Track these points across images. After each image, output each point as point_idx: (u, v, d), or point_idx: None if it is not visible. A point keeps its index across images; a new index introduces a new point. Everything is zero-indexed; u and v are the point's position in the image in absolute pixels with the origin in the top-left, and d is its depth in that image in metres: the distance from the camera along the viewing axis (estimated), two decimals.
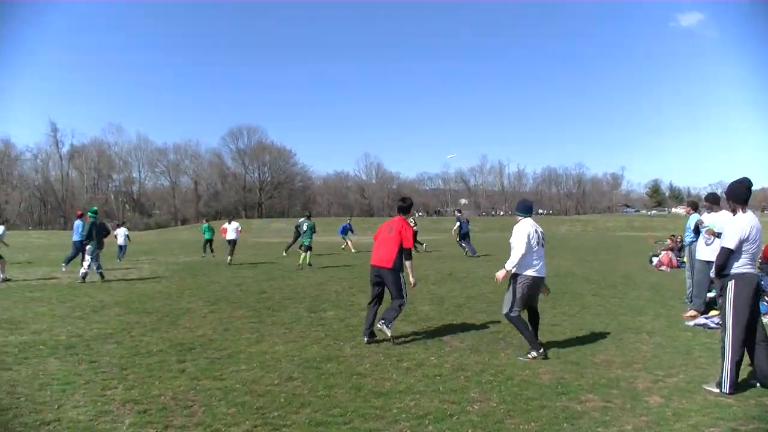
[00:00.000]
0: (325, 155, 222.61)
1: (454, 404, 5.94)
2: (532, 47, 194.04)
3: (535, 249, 8.31)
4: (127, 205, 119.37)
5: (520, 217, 8.71)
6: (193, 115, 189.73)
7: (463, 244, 27.95)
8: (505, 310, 8.34)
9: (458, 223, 28.16)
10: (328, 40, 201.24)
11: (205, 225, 30.01)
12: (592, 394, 6.26)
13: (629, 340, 9.00)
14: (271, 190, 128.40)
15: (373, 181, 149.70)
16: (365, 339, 8.86)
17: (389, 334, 8.73)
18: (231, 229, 25.02)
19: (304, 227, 21.85)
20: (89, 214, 18.37)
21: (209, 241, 29.19)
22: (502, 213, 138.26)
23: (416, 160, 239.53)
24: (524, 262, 8.25)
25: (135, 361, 7.83)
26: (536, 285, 8.36)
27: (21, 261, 25.86)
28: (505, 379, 6.78)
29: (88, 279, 16.97)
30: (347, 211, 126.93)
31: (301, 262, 21.07)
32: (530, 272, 8.25)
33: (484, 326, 10.03)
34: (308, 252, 21.25)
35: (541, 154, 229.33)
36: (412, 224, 17.86)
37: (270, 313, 11.58)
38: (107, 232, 19.09)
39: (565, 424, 5.36)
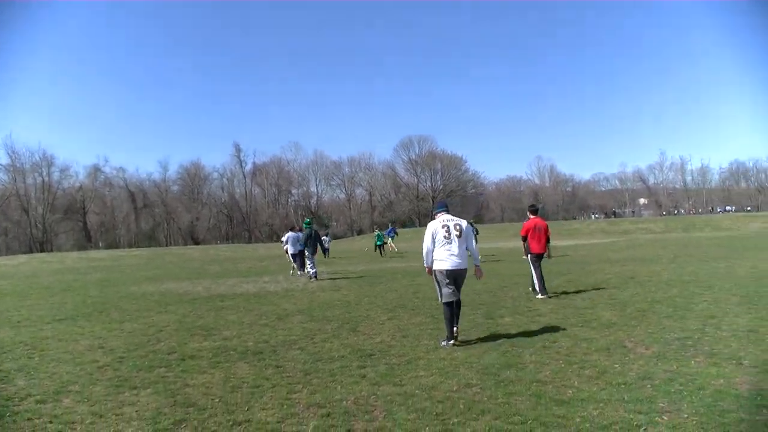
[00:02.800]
0: (496, 160, 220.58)
1: (641, 414, 5.63)
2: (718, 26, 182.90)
3: (442, 244, 9.27)
4: (306, 218, 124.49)
5: (437, 214, 9.76)
6: (366, 128, 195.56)
7: None
8: (442, 300, 9.41)
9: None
10: (491, 40, 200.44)
11: (377, 233, 41.51)
12: None
13: None
14: (444, 198, 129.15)
15: (547, 184, 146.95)
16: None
17: None
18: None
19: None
20: (305, 225, 23.06)
21: (380, 245, 40.36)
22: (683, 212, 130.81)
23: (591, 160, 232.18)
24: (435, 257, 9.38)
25: (318, 366, 8.11)
26: (452, 276, 9.28)
27: (211, 272, 27.58)
28: (696, 389, 6.33)
29: (270, 288, 17.90)
30: (521, 216, 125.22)
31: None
32: (440, 266, 9.27)
33: (671, 332, 9.38)
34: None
35: (726, 147, 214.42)
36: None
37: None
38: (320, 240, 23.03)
39: None
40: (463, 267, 9.36)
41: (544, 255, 14.55)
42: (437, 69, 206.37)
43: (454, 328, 9.23)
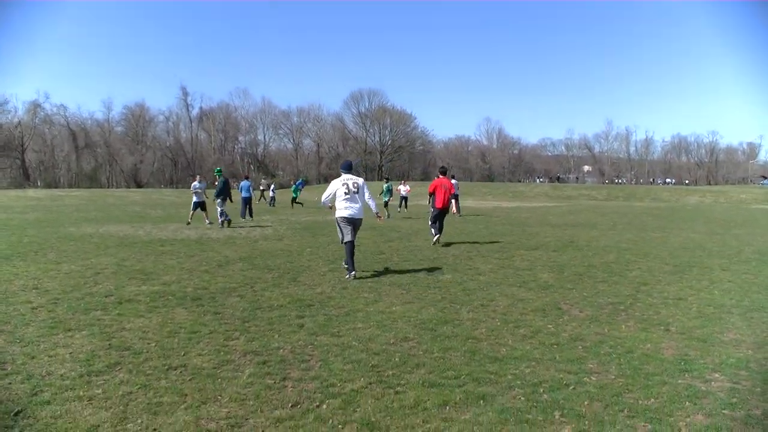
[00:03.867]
0: (445, 119, 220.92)
1: (571, 374, 5.81)
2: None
3: (343, 197, 11.47)
4: (251, 166, 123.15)
5: (342, 173, 11.81)
6: (315, 78, 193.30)
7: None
8: (342, 241, 11.70)
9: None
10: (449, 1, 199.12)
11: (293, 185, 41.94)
12: (718, 373, 5.92)
13: (762, 320, 8.38)
14: (392, 153, 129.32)
15: (494, 146, 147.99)
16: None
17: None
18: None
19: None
20: (216, 173, 23.69)
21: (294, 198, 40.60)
22: (625, 181, 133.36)
23: (539, 125, 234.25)
24: (337, 207, 11.61)
25: (256, 314, 8.13)
26: (348, 221, 11.48)
27: (153, 217, 27.17)
28: (624, 352, 6.55)
29: (212, 234, 17.81)
30: (467, 175, 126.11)
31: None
32: (341, 214, 11.51)
33: (604, 296, 9.67)
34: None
35: (670, 121, 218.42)
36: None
37: (387, 273, 11.71)
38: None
39: (687, 403, 5.12)
40: (359, 216, 11.63)
41: (448, 210, 17.42)
42: (390, 21, 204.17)
43: (352, 272, 11.19)
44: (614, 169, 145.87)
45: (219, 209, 22.67)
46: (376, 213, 12.57)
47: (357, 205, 11.53)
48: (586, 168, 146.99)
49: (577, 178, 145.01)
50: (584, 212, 36.14)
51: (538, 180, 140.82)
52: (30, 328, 7.29)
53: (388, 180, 31.21)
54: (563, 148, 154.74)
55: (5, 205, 40.19)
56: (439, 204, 16.76)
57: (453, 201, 17.36)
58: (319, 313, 8.23)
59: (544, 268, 12.53)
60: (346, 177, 11.66)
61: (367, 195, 11.77)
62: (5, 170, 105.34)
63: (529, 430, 4.56)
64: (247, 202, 28.17)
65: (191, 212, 24.28)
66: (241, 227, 22.62)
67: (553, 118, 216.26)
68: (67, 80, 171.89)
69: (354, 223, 11.56)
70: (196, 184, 24.16)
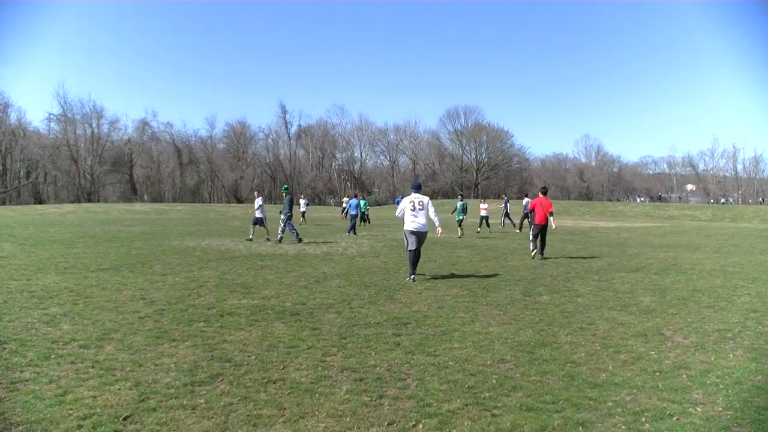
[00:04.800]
0: (542, 136, 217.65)
1: (675, 404, 5.59)
2: None
3: (410, 213, 13.44)
4: (348, 183, 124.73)
5: (412, 191, 13.83)
6: (411, 95, 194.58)
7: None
8: (407, 249, 13.58)
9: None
10: (542, 12, 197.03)
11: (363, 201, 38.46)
12: None
13: None
14: (488, 171, 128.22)
15: (593, 164, 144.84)
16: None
17: None
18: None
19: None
20: (283, 190, 24.20)
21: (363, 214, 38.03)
22: (732, 201, 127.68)
23: (640, 143, 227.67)
24: (405, 221, 13.53)
25: (353, 331, 8.21)
26: (413, 233, 13.39)
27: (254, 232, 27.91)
28: (733, 383, 6.23)
29: (309, 250, 18.11)
30: (565, 193, 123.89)
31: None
32: (407, 227, 13.49)
33: (710, 323, 9.24)
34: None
35: None
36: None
37: (484, 293, 11.61)
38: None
39: None
40: (423, 230, 13.46)
41: (547, 227, 18.62)
42: (485, 38, 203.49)
43: (414, 275, 13.30)
44: (720, 188, 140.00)
45: (282, 225, 23.22)
46: (437, 227, 14.31)
47: (422, 221, 13.42)
48: (690, 187, 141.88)
49: (680, 197, 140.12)
50: (687, 233, 34.81)
51: (638, 199, 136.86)
52: (138, 337, 7.61)
53: (462, 198, 30.89)
54: (665, 166, 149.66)
55: (115, 218, 42.16)
56: (537, 220, 18.43)
57: (551, 218, 18.48)
58: (415, 332, 8.25)
59: (646, 292, 12.14)
60: (414, 196, 13.66)
61: (431, 212, 13.61)
62: (115, 185, 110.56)
63: None
64: (354, 218, 29.27)
65: (252, 228, 24.56)
66: (335, 242, 22.94)
67: (654, 135, 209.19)
68: (173, 99, 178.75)
69: (418, 235, 13.44)
70: (259, 201, 24.60)
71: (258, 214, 24.10)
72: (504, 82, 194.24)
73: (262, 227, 24.07)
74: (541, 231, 18.54)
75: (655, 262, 17.68)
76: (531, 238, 18.87)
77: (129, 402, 5.30)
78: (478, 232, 31.56)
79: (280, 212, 23.82)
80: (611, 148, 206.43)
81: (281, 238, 23.17)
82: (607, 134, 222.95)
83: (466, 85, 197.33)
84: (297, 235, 23.25)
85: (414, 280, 13.07)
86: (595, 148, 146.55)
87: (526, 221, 32.66)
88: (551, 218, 18.62)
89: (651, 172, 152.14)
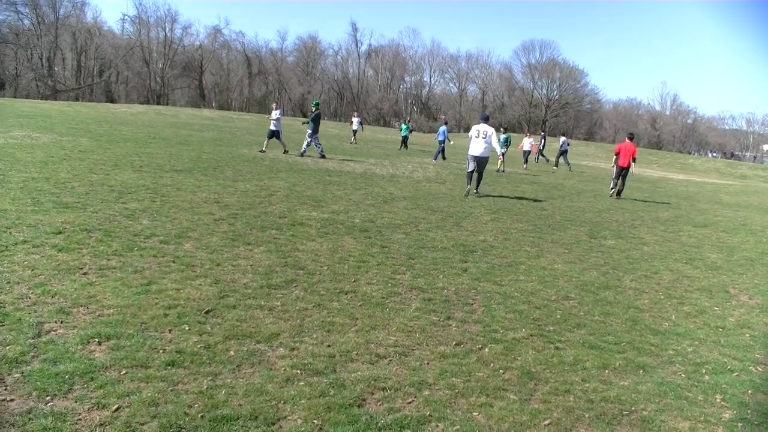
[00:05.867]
0: (618, 79, 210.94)
1: (736, 360, 5.64)
2: None
3: (475, 139, 15.64)
4: (414, 107, 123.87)
5: (480, 122, 15.99)
6: (486, 26, 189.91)
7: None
8: (467, 170, 16.13)
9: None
10: None
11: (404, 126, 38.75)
12: None
13: None
14: (558, 109, 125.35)
15: (667, 113, 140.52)
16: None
17: None
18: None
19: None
20: (314, 105, 23.95)
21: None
22: None
23: (719, 98, 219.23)
24: (469, 146, 15.80)
25: (421, 252, 8.39)
26: (474, 158, 15.65)
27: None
28: None
29: (376, 170, 18.26)
30: (635, 140, 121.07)
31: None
32: (470, 152, 15.72)
33: None
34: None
35: None
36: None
37: (550, 230, 11.63)
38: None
39: None
40: (484, 155, 15.65)
41: (629, 170, 19.89)
42: None
43: (469, 187, 15.88)
44: None
45: (308, 139, 22.68)
46: (499, 154, 19.61)
47: (483, 147, 15.54)
48: (766, 147, 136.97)
49: (754, 156, 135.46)
50: (760, 194, 33.74)
51: (711, 154, 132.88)
52: (214, 238, 7.90)
53: (506, 131, 30.47)
54: (743, 123, 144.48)
55: (183, 122, 42.88)
56: (621, 163, 19.82)
57: (633, 163, 19.99)
58: (481, 260, 8.37)
59: (713, 248, 11.97)
60: (481, 126, 15.80)
61: (494, 141, 15.78)
62: (184, 89, 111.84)
63: (688, 408, 4.51)
64: (442, 144, 29.30)
65: (267, 140, 23.71)
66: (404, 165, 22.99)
67: (736, 90, 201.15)
68: (246, 7, 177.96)
69: (478, 160, 15.68)
70: (277, 113, 23.93)
71: (273, 127, 23.52)
72: (584, 19, 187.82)
73: (278, 140, 23.66)
74: (623, 172, 19.91)
75: (724, 220, 17.33)
76: (613, 176, 20.50)
77: (210, 298, 5.57)
78: (524, 167, 31.15)
79: (308, 126, 23.16)
80: (688, 99, 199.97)
81: (304, 151, 22.75)
82: (686, 85, 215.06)
83: (544, 20, 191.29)
84: (321, 150, 22.93)
85: (468, 194, 15.69)
86: (671, 97, 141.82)
87: (562, 159, 35.13)
88: (633, 163, 19.97)
89: (728, 127, 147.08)
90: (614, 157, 20.40)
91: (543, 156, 38.49)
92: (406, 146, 37.59)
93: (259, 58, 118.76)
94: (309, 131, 22.85)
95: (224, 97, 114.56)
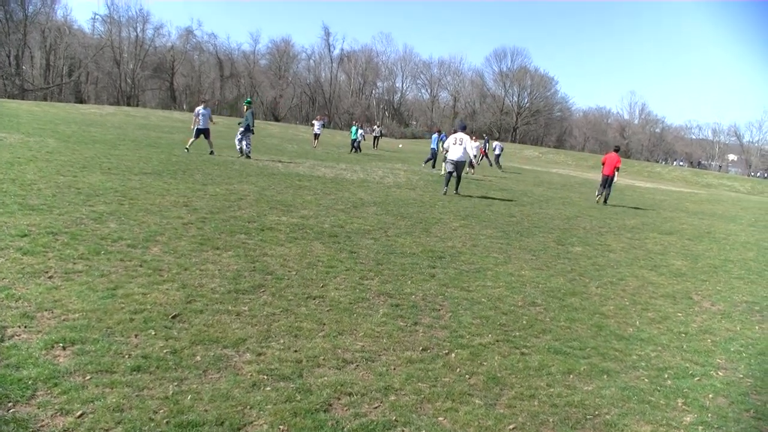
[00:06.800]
0: (586, 87, 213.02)
1: (698, 365, 5.75)
2: None
3: (453, 146, 17.82)
4: (386, 112, 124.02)
5: (458, 130, 18.41)
6: (459, 32, 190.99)
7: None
8: (442, 171, 19.04)
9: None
10: None
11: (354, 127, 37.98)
12: None
13: None
14: (528, 117, 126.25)
15: (636, 122, 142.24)
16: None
17: None
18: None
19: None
20: (246, 103, 24.01)
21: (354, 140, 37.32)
22: None
23: (686, 107, 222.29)
24: (448, 152, 18.02)
25: (390, 258, 8.43)
26: (453, 163, 17.78)
27: (290, 151, 28.08)
28: (756, 353, 6.36)
29: (347, 176, 18.29)
30: (604, 147, 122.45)
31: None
32: (449, 156, 17.96)
33: (739, 294, 9.33)
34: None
35: None
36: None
37: (518, 237, 11.73)
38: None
39: None
40: (462, 159, 17.77)
41: (613, 178, 21.55)
42: None
43: (447, 188, 17.95)
44: (763, 161, 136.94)
45: (239, 137, 22.28)
46: (471, 160, 20.83)
47: (460, 153, 17.66)
48: (732, 157, 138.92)
49: (719, 166, 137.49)
50: (724, 203, 34.31)
51: (678, 163, 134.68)
52: (182, 242, 7.87)
53: (440, 132, 31.99)
54: (709, 132, 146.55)
55: (154, 124, 42.59)
56: (605, 172, 21.73)
57: (616, 172, 21.74)
58: (449, 266, 8.43)
59: (678, 255, 12.18)
60: (458, 134, 18.08)
61: (468, 147, 17.88)
62: (155, 91, 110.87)
63: (651, 412, 4.59)
64: (434, 151, 30.04)
65: (191, 139, 22.35)
66: (374, 170, 23.02)
67: (702, 101, 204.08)
68: (218, 9, 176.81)
69: (455, 164, 17.76)
70: (200, 109, 22.68)
71: (201, 125, 22.23)
72: (554, 27, 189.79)
73: (207, 140, 22.45)
74: (607, 181, 21.67)
75: (689, 228, 17.62)
76: (598, 185, 22.68)
77: (177, 302, 5.55)
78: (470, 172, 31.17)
79: (238, 123, 22.85)
80: (656, 108, 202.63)
81: (249, 152, 22.58)
82: (654, 94, 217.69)
83: (515, 27, 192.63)
84: (248, 150, 22.54)
85: (446, 194, 17.71)
86: (639, 106, 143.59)
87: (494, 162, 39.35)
88: (617, 172, 21.62)
89: (694, 137, 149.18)
90: (602, 166, 22.22)
91: (488, 158, 40.26)
92: (357, 149, 36.92)
93: (232, 61, 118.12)
94: (241, 129, 22.39)
95: (195, 99, 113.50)
